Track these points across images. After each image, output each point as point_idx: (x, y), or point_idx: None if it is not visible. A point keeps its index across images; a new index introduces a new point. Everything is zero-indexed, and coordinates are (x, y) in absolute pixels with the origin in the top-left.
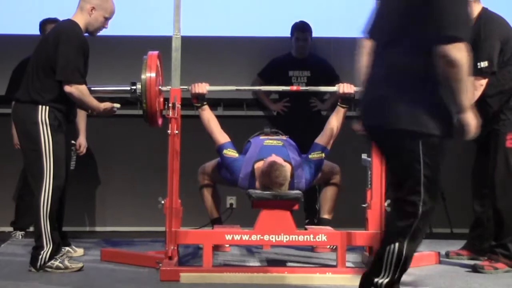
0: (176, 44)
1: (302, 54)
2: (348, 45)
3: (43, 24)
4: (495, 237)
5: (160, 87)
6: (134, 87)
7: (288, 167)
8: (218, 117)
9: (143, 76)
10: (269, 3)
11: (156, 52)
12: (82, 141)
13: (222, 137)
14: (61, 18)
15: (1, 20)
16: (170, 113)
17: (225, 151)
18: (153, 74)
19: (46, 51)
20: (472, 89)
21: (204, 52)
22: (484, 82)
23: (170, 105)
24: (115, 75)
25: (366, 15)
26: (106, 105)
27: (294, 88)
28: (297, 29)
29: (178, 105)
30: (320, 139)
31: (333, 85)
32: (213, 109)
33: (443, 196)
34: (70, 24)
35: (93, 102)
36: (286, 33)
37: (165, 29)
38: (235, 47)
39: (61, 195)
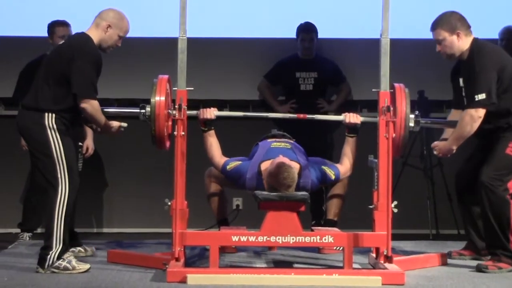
0: (182, 46)
1: (308, 55)
2: (355, 46)
3: (52, 26)
4: (490, 239)
5: (169, 110)
6: (143, 111)
7: (296, 168)
8: (224, 118)
9: (152, 100)
10: (275, 4)
11: (166, 76)
12: (89, 144)
13: (222, 159)
14: (69, 20)
15: (8, 22)
16: (176, 114)
17: (228, 167)
18: (163, 98)
19: (59, 62)
20: (471, 121)
21: (210, 54)
22: (482, 113)
23: (176, 106)
24: (121, 76)
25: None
26: (114, 123)
27: (301, 116)
28: (302, 30)
29: (184, 106)
30: (340, 166)
31: (340, 87)
32: (219, 110)
33: (450, 197)
34: (85, 38)
35: (103, 119)
36: (293, 34)
37: (171, 31)
38: (241, 48)
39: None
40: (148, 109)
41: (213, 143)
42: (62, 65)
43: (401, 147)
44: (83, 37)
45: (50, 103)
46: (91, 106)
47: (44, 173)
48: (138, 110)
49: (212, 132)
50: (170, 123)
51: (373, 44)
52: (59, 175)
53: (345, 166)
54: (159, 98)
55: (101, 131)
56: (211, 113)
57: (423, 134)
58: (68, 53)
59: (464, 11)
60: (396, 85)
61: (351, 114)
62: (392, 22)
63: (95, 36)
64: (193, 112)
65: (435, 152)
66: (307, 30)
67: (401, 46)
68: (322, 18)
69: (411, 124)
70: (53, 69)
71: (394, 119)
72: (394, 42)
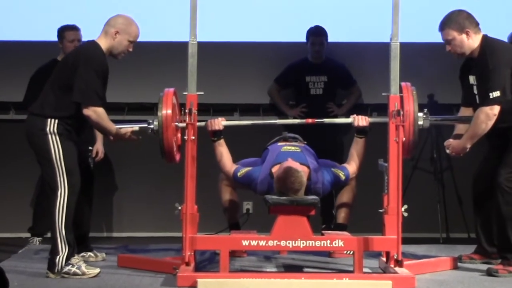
0: (192, 50)
1: (318, 59)
2: (365, 50)
3: (61, 31)
4: (502, 242)
5: (177, 123)
6: (151, 126)
7: (304, 171)
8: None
9: (159, 114)
10: (285, 8)
11: (172, 89)
12: (99, 147)
13: (232, 168)
14: (79, 25)
15: (18, 27)
16: (187, 118)
17: (238, 174)
18: (169, 111)
19: (65, 70)
20: (486, 119)
21: (220, 58)
22: (497, 111)
23: (186, 110)
24: (131, 81)
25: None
26: (124, 130)
27: (310, 120)
28: (312, 33)
29: (194, 111)
30: (349, 166)
31: (350, 90)
32: (229, 115)
33: (460, 200)
34: (91, 46)
35: (111, 126)
36: (303, 38)
37: (181, 35)
38: (251, 52)
39: (82, 200)
40: (155, 123)
41: (223, 152)
42: (67, 72)
43: (411, 147)
44: (90, 45)
45: (54, 109)
46: (95, 113)
47: (45, 176)
48: (146, 126)
49: (222, 141)
50: (179, 135)
51: (383, 48)
52: (58, 179)
53: (352, 166)
54: (165, 112)
55: (114, 140)
56: (219, 123)
57: (433, 136)
58: (74, 60)
59: (472, 12)
60: (403, 84)
61: (360, 116)
62: (402, 26)
63: (104, 43)
64: (202, 123)
65: (447, 151)
66: (317, 33)
67: (411, 49)
68: (332, 22)
69: (420, 122)
70: (59, 77)
71: (404, 123)
72: (404, 46)
